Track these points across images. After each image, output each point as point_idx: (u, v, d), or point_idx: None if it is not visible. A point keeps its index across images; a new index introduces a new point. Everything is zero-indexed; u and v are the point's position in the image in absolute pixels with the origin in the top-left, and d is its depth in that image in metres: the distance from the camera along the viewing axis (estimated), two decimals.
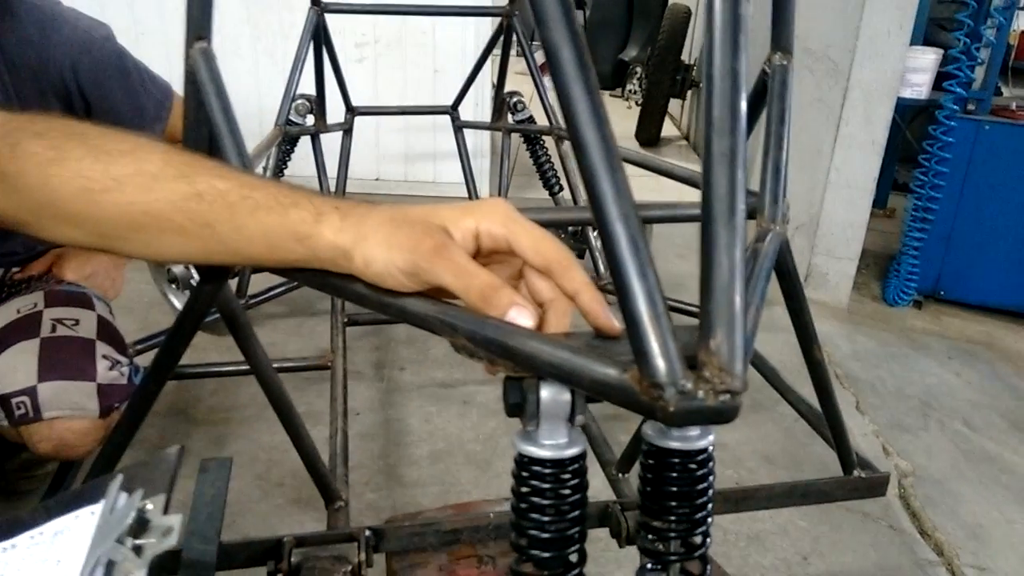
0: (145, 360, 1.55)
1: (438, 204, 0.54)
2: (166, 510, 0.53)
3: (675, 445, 0.54)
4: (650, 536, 0.57)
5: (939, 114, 2.34)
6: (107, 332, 1.16)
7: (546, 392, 0.50)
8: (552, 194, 2.08)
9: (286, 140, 1.78)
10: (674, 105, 4.49)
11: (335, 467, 1.20)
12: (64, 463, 1.18)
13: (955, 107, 2.32)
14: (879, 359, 2.17)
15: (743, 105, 0.45)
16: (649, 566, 0.58)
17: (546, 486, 0.52)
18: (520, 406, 0.51)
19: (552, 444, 0.52)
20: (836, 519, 1.42)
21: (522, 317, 0.48)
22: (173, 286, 1.98)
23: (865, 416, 1.84)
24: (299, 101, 1.87)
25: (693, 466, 0.55)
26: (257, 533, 1.35)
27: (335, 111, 2.15)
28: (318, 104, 1.97)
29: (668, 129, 4.47)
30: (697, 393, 0.39)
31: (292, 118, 1.82)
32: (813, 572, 1.31)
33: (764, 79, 0.90)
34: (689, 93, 4.34)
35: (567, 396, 0.51)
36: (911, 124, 3.07)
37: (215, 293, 0.77)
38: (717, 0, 0.47)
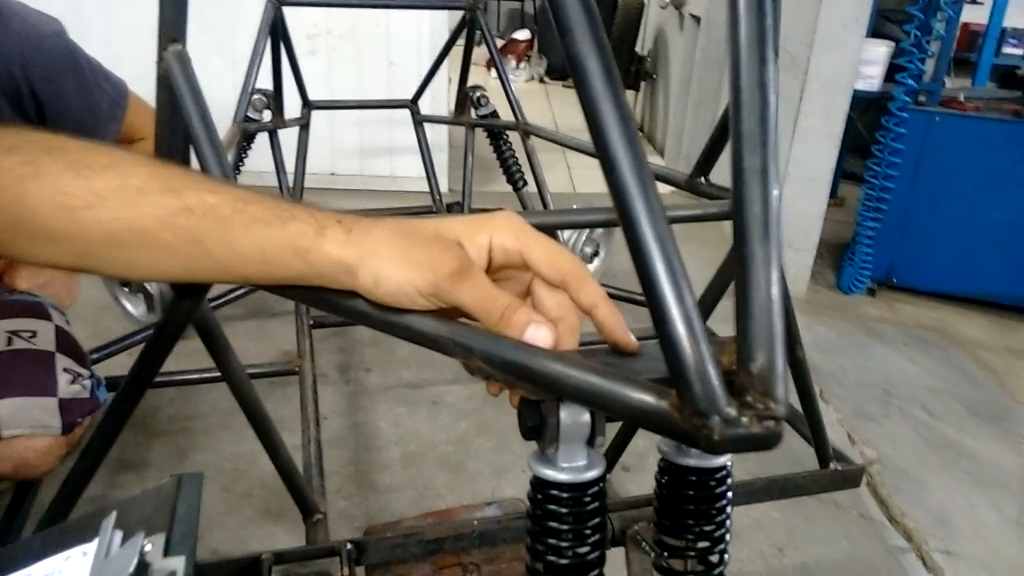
0: (104, 368, 1.48)
1: (446, 217, 0.52)
2: (167, 551, 0.49)
3: (694, 463, 0.53)
4: (666, 554, 0.56)
5: (892, 106, 2.38)
6: (66, 343, 1.10)
7: (566, 414, 0.48)
8: (516, 189, 2.06)
9: (244, 137, 1.71)
10: (629, 97, 4.50)
11: (310, 478, 1.16)
12: (20, 485, 1.12)
13: (907, 99, 2.37)
14: (839, 349, 2.21)
15: (774, 118, 0.43)
16: None
17: (565, 510, 0.51)
18: (539, 429, 0.49)
19: (571, 467, 0.50)
20: (809, 510, 1.44)
21: (540, 336, 0.47)
22: (125, 289, 1.90)
23: (830, 405, 1.87)
24: (255, 96, 1.81)
25: (712, 483, 0.54)
26: (227, 548, 1.31)
27: (289, 106, 2.09)
28: (276, 99, 1.91)
29: None
30: (741, 420, 0.38)
31: (249, 115, 1.75)
32: (789, 564, 1.33)
33: None
34: (643, 85, 4.36)
35: (587, 418, 0.49)
36: (862, 115, 3.13)
37: (193, 309, 0.73)
38: (742, 9, 0.45)
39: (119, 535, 0.49)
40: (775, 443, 0.39)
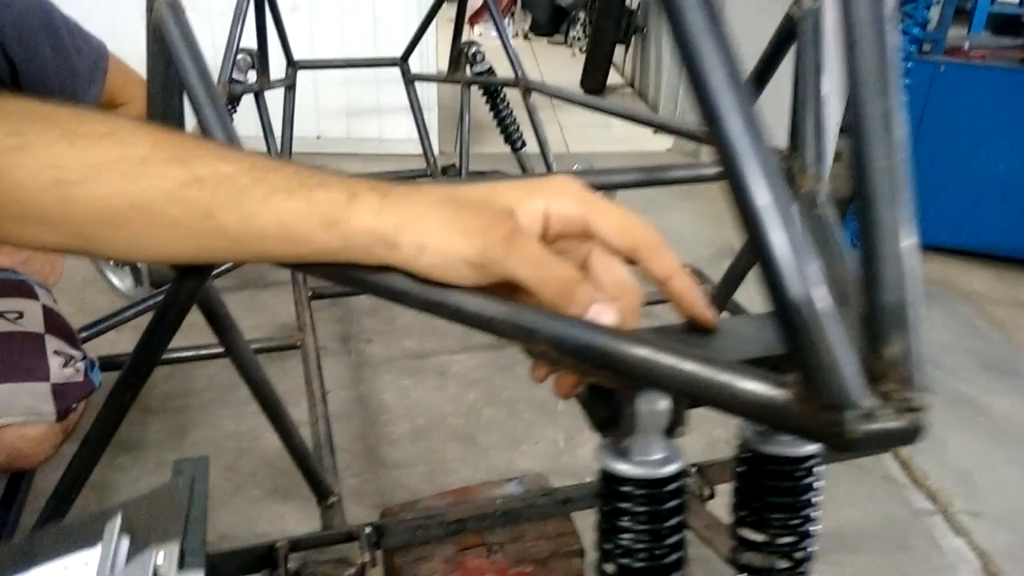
0: (93, 347, 1.41)
1: (497, 182, 0.45)
2: (182, 563, 0.43)
3: (780, 451, 0.48)
4: (747, 550, 0.51)
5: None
6: (55, 324, 1.03)
7: (644, 403, 0.43)
8: (515, 150, 1.98)
9: (229, 99, 1.62)
10: (617, 52, 4.39)
11: (320, 458, 1.11)
12: (14, 475, 1.06)
13: (912, 47, 2.31)
14: None
15: (895, 54, 0.37)
16: None
17: (640, 509, 0.45)
18: (613, 420, 0.44)
19: (648, 461, 0.44)
20: (833, 473, 1.39)
21: (605, 315, 0.40)
22: (111, 263, 1.82)
23: None
24: (240, 56, 1.71)
25: (800, 474, 0.48)
26: (236, 532, 1.26)
27: (272, 68, 1.99)
28: (260, 59, 1.81)
29: (612, 77, 4.39)
30: (881, 414, 0.32)
31: (234, 76, 1.66)
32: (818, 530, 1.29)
33: (790, 25, 0.82)
34: (633, 39, 4.25)
35: (667, 405, 0.43)
36: None
37: (197, 289, 0.67)
38: None
39: (125, 542, 0.43)
40: (918, 438, 0.34)
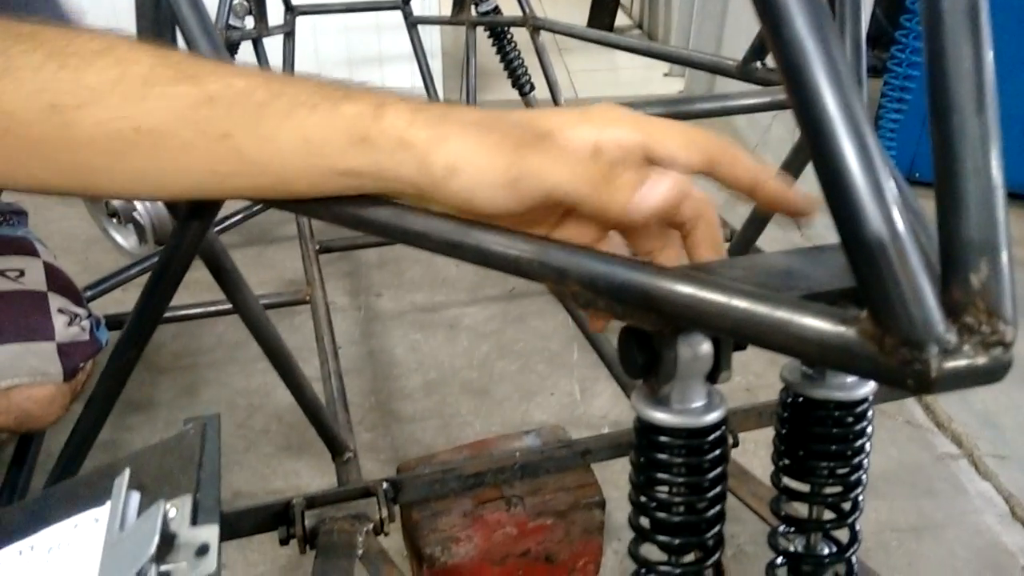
0: (99, 305, 1.39)
1: (539, 109, 0.42)
2: (195, 518, 0.40)
3: (830, 395, 0.44)
4: (790, 500, 0.48)
5: None
6: (59, 281, 1.00)
7: (685, 346, 0.39)
8: (523, 94, 1.92)
9: (226, 47, 1.56)
10: None
11: (334, 413, 1.09)
12: (24, 436, 1.04)
13: None
14: None
15: None
16: (782, 529, 0.49)
17: (679, 460, 0.42)
18: (652, 366, 0.40)
19: (689, 409, 0.41)
20: None
21: (660, 185, 0.36)
22: (114, 220, 1.78)
23: None
24: (236, 2, 1.65)
25: (851, 419, 0.45)
26: (250, 489, 1.25)
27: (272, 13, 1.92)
28: (258, 4, 1.74)
29: (620, 18, 4.27)
30: (964, 349, 0.29)
31: (231, 22, 1.60)
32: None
33: None
34: None
35: (709, 349, 0.39)
36: (880, 3, 2.95)
37: (202, 234, 0.63)
38: None
39: (135, 498, 0.40)
40: (1004, 375, 0.30)
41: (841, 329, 0.30)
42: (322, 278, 1.42)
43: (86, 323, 0.99)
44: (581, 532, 1.03)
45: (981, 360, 0.29)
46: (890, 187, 0.28)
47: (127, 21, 0.58)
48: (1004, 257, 0.30)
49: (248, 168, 0.38)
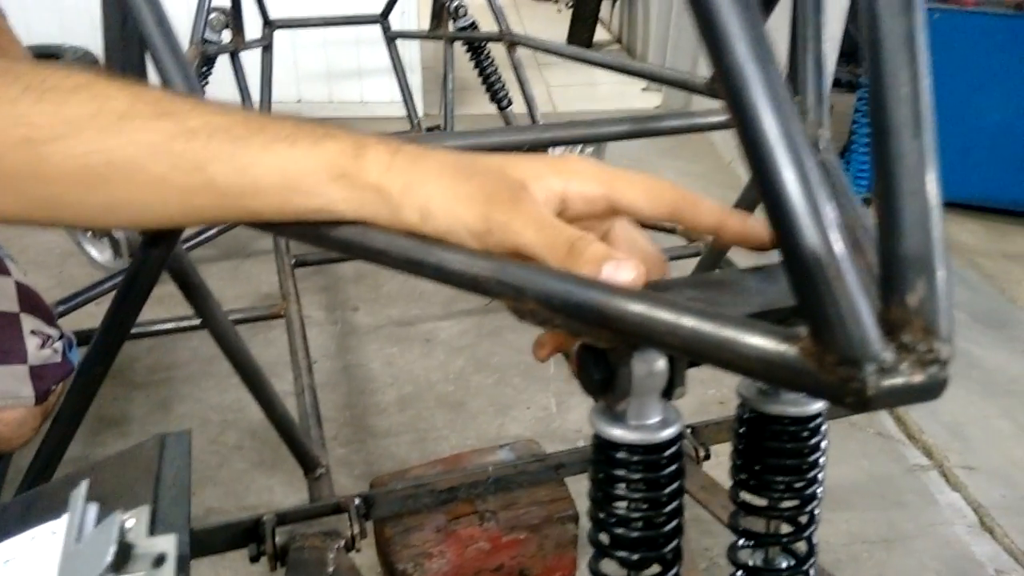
0: (72, 320, 1.37)
1: (513, 155, 0.42)
2: (153, 527, 0.40)
3: (784, 410, 0.45)
4: (747, 515, 0.48)
5: None
6: (31, 301, 0.99)
7: (640, 363, 0.39)
8: (501, 108, 1.93)
9: (203, 61, 1.56)
10: (604, 7, 4.31)
11: (307, 429, 1.08)
12: None
13: None
14: None
15: None
16: (741, 543, 0.50)
17: (636, 476, 0.42)
18: (608, 383, 0.40)
19: (645, 425, 0.41)
20: None
21: (623, 271, 0.37)
22: (89, 234, 1.77)
23: None
24: (213, 15, 1.64)
25: (805, 434, 0.45)
26: (222, 506, 1.23)
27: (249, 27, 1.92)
28: (235, 17, 1.75)
29: (599, 34, 4.31)
30: (901, 367, 0.29)
31: (207, 36, 1.60)
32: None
33: None
34: None
35: (664, 365, 0.40)
36: (852, 18, 3.00)
37: (165, 256, 0.63)
38: None
39: (93, 509, 0.40)
40: (940, 393, 0.31)
41: (783, 347, 0.31)
42: (297, 292, 1.41)
43: (59, 344, 0.99)
44: (555, 546, 1.03)
45: (918, 378, 0.29)
46: (829, 209, 0.29)
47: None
48: (941, 276, 0.31)
49: (219, 201, 0.38)
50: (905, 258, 0.30)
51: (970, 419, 1.50)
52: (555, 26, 4.49)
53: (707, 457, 1.00)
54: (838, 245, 0.29)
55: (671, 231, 1.77)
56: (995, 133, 2.43)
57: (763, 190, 0.29)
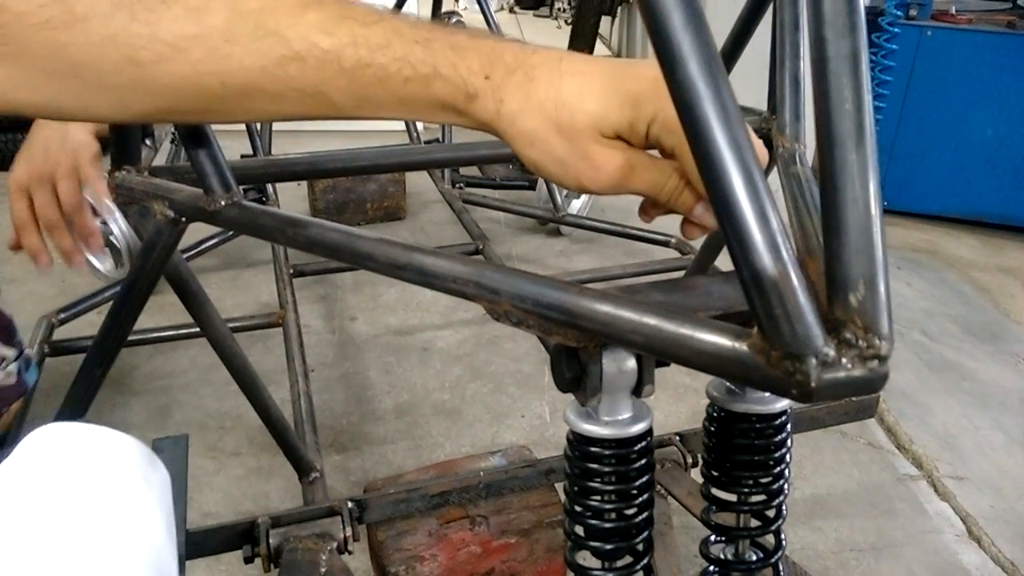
0: (73, 329, 1.40)
1: (633, 61, 0.44)
2: None
3: (749, 408, 0.47)
4: (715, 508, 0.50)
5: (882, 20, 2.29)
6: None
7: (610, 361, 0.42)
8: None
9: None
10: (604, 23, 4.35)
11: (302, 434, 1.10)
12: None
13: (898, 12, 2.29)
14: None
15: None
16: (713, 539, 0.52)
17: (608, 469, 0.44)
18: (579, 380, 0.43)
19: (615, 421, 0.43)
20: (814, 440, 1.41)
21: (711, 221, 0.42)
22: (89, 245, 1.79)
23: None
24: None
25: (771, 431, 0.48)
26: (219, 511, 1.25)
27: None
28: None
29: (598, 49, 4.34)
30: (841, 362, 0.32)
31: None
32: (799, 496, 1.30)
33: None
34: (619, 10, 4.21)
35: (633, 364, 0.42)
36: None
37: (164, 262, 0.65)
38: None
39: None
40: (881, 386, 0.33)
41: (735, 344, 0.33)
42: (295, 301, 1.43)
43: (13, 367, 0.94)
44: (545, 551, 1.05)
45: (858, 372, 0.31)
46: (774, 216, 0.31)
47: None
48: (881, 278, 0.33)
49: (343, 112, 0.41)
50: (848, 261, 0.33)
51: (961, 430, 1.51)
52: (555, 41, 4.53)
53: (695, 464, 1.02)
54: (784, 249, 0.31)
55: (665, 244, 1.80)
56: (990, 148, 2.45)
57: (713, 198, 0.31)
